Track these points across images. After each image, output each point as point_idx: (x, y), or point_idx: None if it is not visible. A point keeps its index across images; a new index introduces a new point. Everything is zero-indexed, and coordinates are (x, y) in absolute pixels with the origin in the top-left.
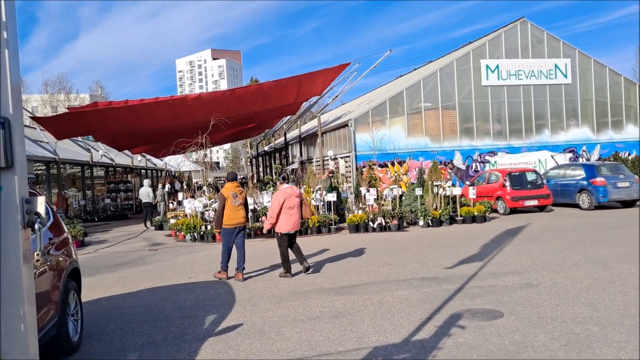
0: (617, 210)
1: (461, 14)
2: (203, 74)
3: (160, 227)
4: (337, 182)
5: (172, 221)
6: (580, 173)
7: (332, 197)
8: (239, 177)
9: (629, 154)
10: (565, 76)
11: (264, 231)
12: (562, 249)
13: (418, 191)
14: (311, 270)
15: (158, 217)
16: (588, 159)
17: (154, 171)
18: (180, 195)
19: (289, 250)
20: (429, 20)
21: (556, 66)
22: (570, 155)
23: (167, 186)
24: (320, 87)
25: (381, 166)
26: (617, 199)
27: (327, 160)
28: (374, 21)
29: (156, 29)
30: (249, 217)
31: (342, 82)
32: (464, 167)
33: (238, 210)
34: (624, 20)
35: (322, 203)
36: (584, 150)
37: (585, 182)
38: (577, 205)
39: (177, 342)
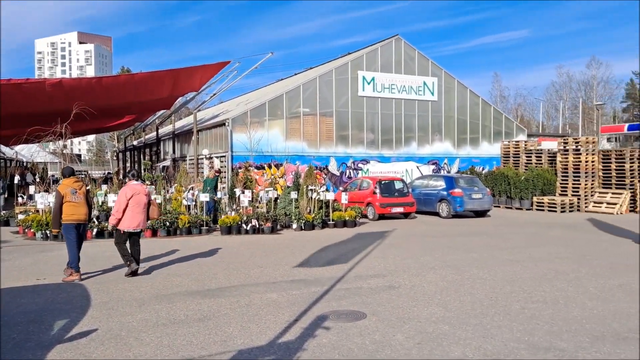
0: (471, 219)
1: (341, 25)
2: (67, 58)
3: (6, 222)
4: (221, 182)
5: (21, 216)
6: (441, 184)
7: (204, 197)
8: (106, 172)
9: (483, 169)
10: (432, 93)
11: (110, 227)
12: (422, 253)
13: (293, 194)
14: (136, 273)
15: (4, 211)
16: (449, 171)
17: (1, 160)
18: (31, 189)
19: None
20: (311, 28)
21: (425, 84)
22: (433, 167)
23: (17, 178)
24: (198, 83)
25: (258, 168)
26: (472, 209)
27: (202, 158)
28: (255, 23)
29: (13, 2)
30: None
31: (221, 80)
32: (338, 173)
33: (79, 207)
34: (483, 48)
35: (194, 203)
36: (445, 163)
37: (445, 193)
38: (437, 214)
39: (17, 349)
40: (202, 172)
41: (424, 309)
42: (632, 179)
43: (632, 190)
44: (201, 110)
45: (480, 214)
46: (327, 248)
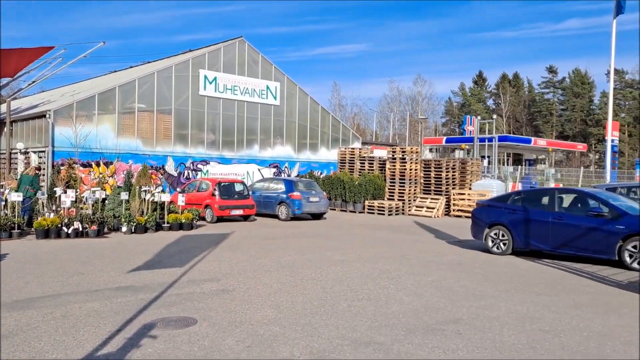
0: (309, 221)
1: (183, 20)
2: None
3: None
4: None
5: None
6: (281, 187)
7: (17, 197)
8: None
9: (321, 173)
10: (275, 98)
11: None
12: (259, 255)
13: (124, 195)
14: None
15: None
16: (289, 175)
17: None
18: None
19: None
20: (150, 20)
21: (268, 87)
22: (274, 170)
23: None
24: (14, 68)
25: (84, 165)
26: (309, 212)
27: (16, 153)
28: (86, 6)
29: None
30: None
31: (43, 66)
32: (175, 174)
33: None
34: (325, 58)
35: (4, 203)
36: (286, 167)
37: (284, 196)
38: (277, 216)
39: None
40: (16, 169)
41: (257, 312)
42: (447, 186)
43: (447, 196)
44: (17, 99)
45: (317, 216)
46: (160, 252)
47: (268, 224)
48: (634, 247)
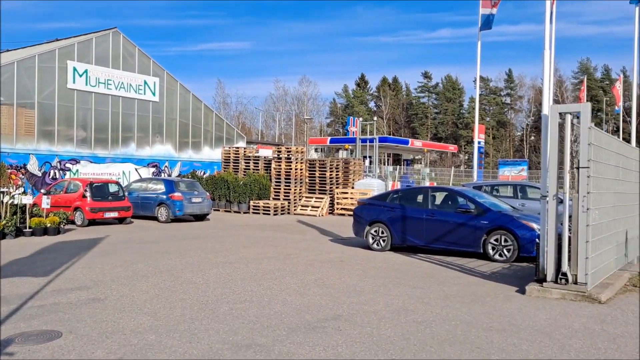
0: (191, 223)
1: (47, 6)
2: None
3: None
4: None
5: None
6: (160, 187)
7: None
8: None
9: (204, 173)
10: (154, 94)
11: None
12: (135, 261)
13: None
14: None
15: None
16: (170, 175)
17: None
18: None
19: None
20: (7, 4)
21: (145, 83)
22: (153, 169)
23: None
24: None
25: None
26: (191, 213)
27: None
28: None
29: None
30: None
31: None
32: (39, 174)
33: None
34: (208, 54)
35: None
36: (166, 166)
37: (164, 196)
38: (156, 218)
39: None
40: None
41: (131, 320)
42: (331, 186)
43: (331, 195)
44: None
45: (200, 217)
46: (19, 260)
47: (146, 226)
48: (496, 240)
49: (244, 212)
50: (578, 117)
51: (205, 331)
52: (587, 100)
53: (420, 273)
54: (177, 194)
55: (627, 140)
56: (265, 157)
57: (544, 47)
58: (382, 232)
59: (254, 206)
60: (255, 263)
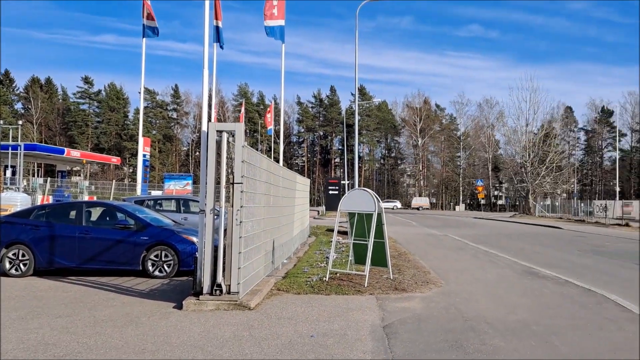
0: None
1: None
2: None
3: None
4: None
5: None
6: None
7: None
8: None
9: None
10: None
11: None
12: None
13: None
14: None
15: None
16: None
17: None
18: None
19: None
20: None
21: None
22: None
23: None
24: None
25: None
26: None
27: None
28: None
29: None
30: None
31: None
32: None
33: None
34: None
35: None
36: None
37: None
38: None
39: None
40: None
41: None
42: None
43: None
44: None
45: None
46: None
47: None
48: (156, 256)
49: None
50: (234, 136)
51: None
52: (245, 122)
53: (68, 298)
54: None
55: (277, 159)
56: None
57: (204, 67)
58: (23, 255)
59: None
60: None
